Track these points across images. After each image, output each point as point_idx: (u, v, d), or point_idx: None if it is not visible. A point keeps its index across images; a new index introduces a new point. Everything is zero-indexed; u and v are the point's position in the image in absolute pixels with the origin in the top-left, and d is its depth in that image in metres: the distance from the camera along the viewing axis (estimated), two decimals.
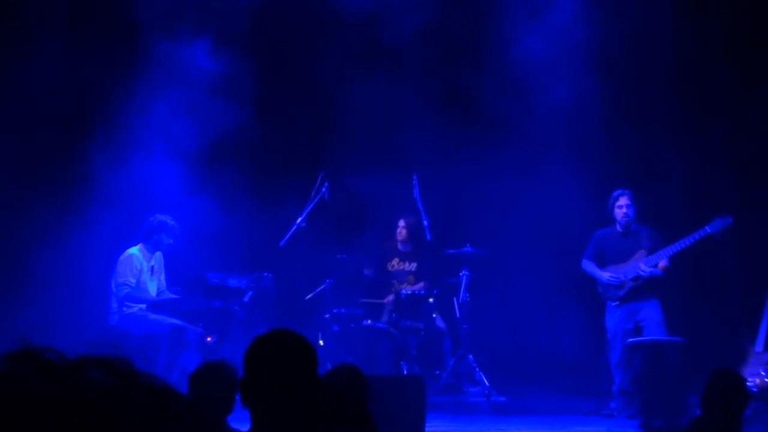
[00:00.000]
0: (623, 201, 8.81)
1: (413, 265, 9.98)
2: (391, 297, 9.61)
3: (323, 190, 9.23)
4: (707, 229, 8.48)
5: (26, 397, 0.83)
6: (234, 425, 4.26)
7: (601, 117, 10.24)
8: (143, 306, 8.72)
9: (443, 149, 10.36)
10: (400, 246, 10.02)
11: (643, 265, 8.63)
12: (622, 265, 8.77)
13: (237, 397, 4.29)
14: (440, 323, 9.53)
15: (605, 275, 8.78)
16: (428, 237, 9.42)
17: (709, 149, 10.32)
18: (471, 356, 9.29)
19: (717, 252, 8.85)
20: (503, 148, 10.31)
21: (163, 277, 9.01)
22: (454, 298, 9.56)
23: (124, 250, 8.81)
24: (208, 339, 8.67)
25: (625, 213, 8.80)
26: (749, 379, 7.39)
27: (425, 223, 9.46)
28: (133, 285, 8.69)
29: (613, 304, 8.77)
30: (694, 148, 10.33)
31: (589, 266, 8.97)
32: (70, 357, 0.90)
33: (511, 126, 10.35)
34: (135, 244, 8.86)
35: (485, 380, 9.17)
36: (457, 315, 9.46)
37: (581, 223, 9.59)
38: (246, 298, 8.87)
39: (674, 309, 8.93)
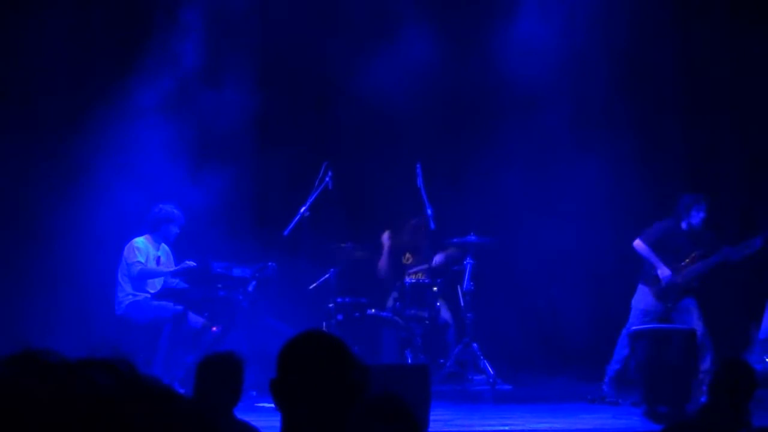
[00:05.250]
0: (703, 208, 8.69)
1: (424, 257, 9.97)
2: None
3: (327, 179, 9.21)
4: (729, 253, 8.52)
5: (25, 401, 0.82)
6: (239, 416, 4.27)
7: (605, 106, 10.21)
8: (148, 295, 8.76)
9: (446, 138, 10.34)
10: (411, 241, 9.98)
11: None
12: (678, 270, 8.68)
13: (243, 388, 4.31)
14: (445, 312, 9.52)
15: (665, 271, 8.69)
16: (432, 226, 9.41)
17: (715, 141, 10.31)
18: (475, 345, 9.29)
19: (723, 239, 8.80)
20: (506, 136, 10.29)
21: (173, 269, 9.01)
22: (459, 287, 9.55)
23: (129, 240, 8.84)
24: (213, 329, 8.68)
25: (703, 219, 8.72)
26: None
27: (429, 212, 9.44)
28: (144, 263, 8.73)
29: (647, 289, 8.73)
30: (700, 139, 10.32)
31: (651, 256, 8.74)
32: (71, 359, 0.89)
33: (514, 114, 10.33)
34: (140, 235, 8.88)
35: (490, 368, 9.17)
36: (462, 304, 9.45)
37: (586, 211, 9.57)
38: (250, 288, 8.86)
39: None
